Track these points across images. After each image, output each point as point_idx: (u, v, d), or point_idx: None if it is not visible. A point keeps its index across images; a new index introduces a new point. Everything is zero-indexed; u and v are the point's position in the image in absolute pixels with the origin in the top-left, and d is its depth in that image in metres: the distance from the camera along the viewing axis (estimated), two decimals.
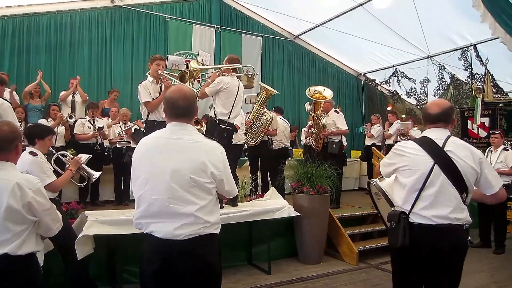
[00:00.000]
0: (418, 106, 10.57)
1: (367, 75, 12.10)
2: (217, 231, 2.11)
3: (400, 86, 10.90)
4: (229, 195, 2.26)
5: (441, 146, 2.34)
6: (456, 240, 2.30)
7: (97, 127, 6.04)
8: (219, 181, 2.08)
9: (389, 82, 11.22)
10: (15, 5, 7.83)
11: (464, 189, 2.30)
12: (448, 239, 2.27)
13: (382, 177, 2.65)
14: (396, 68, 10.88)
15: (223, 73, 4.82)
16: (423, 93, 10.34)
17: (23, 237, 2.08)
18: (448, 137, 2.39)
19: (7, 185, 2.04)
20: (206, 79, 5.35)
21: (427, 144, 2.38)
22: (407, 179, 2.36)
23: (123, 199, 6.19)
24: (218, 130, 4.66)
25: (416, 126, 8.32)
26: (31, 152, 3.27)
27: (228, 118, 4.78)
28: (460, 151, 2.33)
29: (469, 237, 2.32)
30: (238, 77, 5.03)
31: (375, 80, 11.96)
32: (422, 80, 10.29)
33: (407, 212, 2.34)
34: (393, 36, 9.33)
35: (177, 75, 4.70)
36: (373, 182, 2.69)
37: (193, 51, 9.62)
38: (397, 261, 2.51)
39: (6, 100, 4.01)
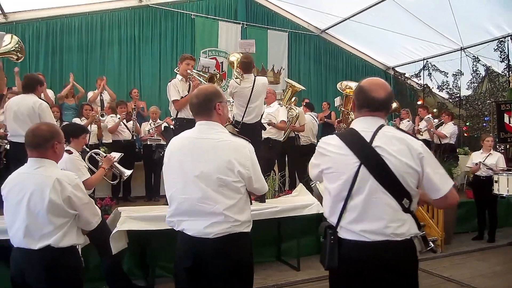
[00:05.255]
0: (451, 100, 10.23)
1: (396, 68, 11.81)
2: (248, 229, 2.11)
3: (431, 79, 10.59)
4: (259, 192, 2.26)
5: (368, 140, 1.81)
6: (397, 260, 1.76)
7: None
8: (247, 179, 2.08)
9: (420, 76, 10.90)
10: (48, 7, 8.11)
11: (402, 194, 1.78)
12: (386, 259, 1.75)
13: None
14: (427, 61, 10.56)
15: (235, 77, 4.87)
16: (456, 86, 10.01)
17: (64, 230, 2.18)
18: (379, 128, 1.85)
19: (48, 180, 2.14)
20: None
21: (352, 139, 1.85)
22: (332, 185, 1.86)
23: (153, 195, 6.36)
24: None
25: (452, 121, 7.98)
26: (66, 150, 3.37)
27: (242, 119, 4.86)
28: (392, 145, 1.79)
29: (431, 244, 1.88)
30: (263, 74, 5.05)
31: (404, 73, 11.66)
32: (454, 73, 9.95)
33: (334, 226, 1.85)
34: (423, 28, 9.05)
35: (206, 76, 4.76)
36: (312, 184, 2.32)
37: (220, 48, 9.69)
38: (333, 286, 1.98)
39: (43, 100, 4.17)
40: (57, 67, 8.28)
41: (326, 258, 1.84)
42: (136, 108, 7.17)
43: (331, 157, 1.87)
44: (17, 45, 4.07)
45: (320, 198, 2.11)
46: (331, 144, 1.90)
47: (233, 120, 4.94)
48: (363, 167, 1.78)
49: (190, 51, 9.13)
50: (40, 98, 4.18)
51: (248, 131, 4.75)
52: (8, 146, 4.51)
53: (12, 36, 4.12)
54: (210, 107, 2.10)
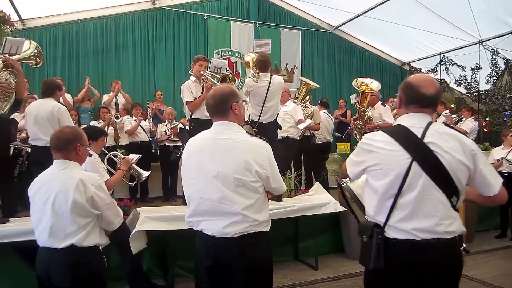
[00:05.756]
0: (469, 95, 10.01)
1: (412, 64, 11.62)
2: (267, 229, 2.11)
3: (448, 74, 10.38)
4: (277, 192, 2.26)
5: (420, 136, 1.80)
6: (446, 259, 1.75)
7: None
8: (265, 179, 2.07)
9: (436, 71, 10.69)
10: (64, 13, 8.25)
11: (453, 191, 1.77)
12: (436, 258, 1.73)
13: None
14: (443, 56, 10.36)
15: (252, 76, 4.87)
16: (474, 80, 9.79)
17: (87, 229, 2.23)
18: (429, 124, 1.84)
19: (72, 181, 2.21)
20: None
21: (402, 135, 1.83)
22: (379, 182, 1.82)
23: (170, 195, 6.44)
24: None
25: (472, 117, 7.80)
26: None
27: (258, 119, 4.83)
28: (445, 142, 1.78)
29: (464, 245, 1.85)
30: (277, 73, 5.03)
31: (420, 69, 11.44)
32: (473, 67, 9.73)
33: (382, 225, 1.81)
34: (439, 22, 8.88)
35: (219, 77, 4.77)
36: (343, 184, 2.21)
37: (233, 48, 9.71)
38: (372, 286, 1.95)
39: (62, 104, 4.25)
40: (74, 71, 8.43)
41: (371, 258, 1.79)
42: (154, 109, 7.25)
43: (379, 153, 1.83)
44: (36, 51, 4.13)
45: (354, 197, 2.09)
46: (378, 140, 1.86)
47: (249, 120, 4.91)
48: (415, 163, 1.75)
49: (203, 51, 9.18)
50: (59, 102, 4.25)
51: (265, 130, 4.74)
52: (29, 150, 4.61)
53: (30, 42, 4.19)
54: (226, 107, 2.11)
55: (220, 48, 9.61)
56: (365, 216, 1.97)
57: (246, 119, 5.04)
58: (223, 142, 2.07)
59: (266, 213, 2.12)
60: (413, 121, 1.86)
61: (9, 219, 3.64)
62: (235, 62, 9.64)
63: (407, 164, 1.76)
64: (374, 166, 1.85)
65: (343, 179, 2.26)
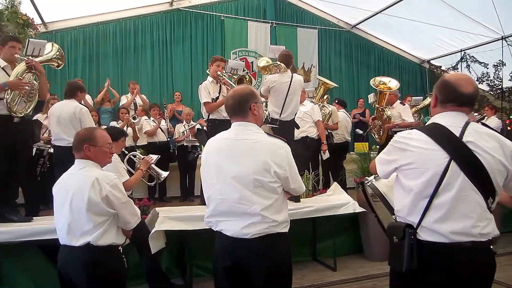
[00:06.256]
0: (492, 92, 9.75)
1: (432, 61, 11.41)
2: (286, 230, 2.11)
3: (469, 71, 10.12)
4: (296, 193, 2.25)
5: (458, 136, 1.76)
6: (480, 262, 1.72)
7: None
8: (284, 179, 2.07)
9: (457, 68, 10.46)
10: (84, 15, 8.44)
11: (490, 192, 1.73)
12: (471, 262, 1.70)
13: (379, 175, 2.08)
14: (464, 53, 10.13)
15: (274, 71, 4.83)
16: (498, 77, 9.53)
17: (103, 228, 2.26)
18: (467, 124, 1.80)
19: (88, 180, 2.25)
20: None
21: (440, 134, 1.78)
22: (414, 182, 1.78)
23: (188, 195, 6.49)
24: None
25: (496, 115, 7.58)
26: None
27: (280, 116, 4.78)
28: (484, 141, 1.74)
29: (491, 246, 1.79)
30: (294, 71, 4.98)
31: (440, 66, 11.24)
32: (495, 64, 9.50)
33: (415, 226, 1.77)
34: (460, 18, 8.67)
35: (235, 78, 4.78)
36: (368, 182, 2.16)
37: (249, 48, 9.72)
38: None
39: (84, 105, 4.34)
40: (94, 73, 8.61)
41: (404, 260, 1.75)
42: (171, 109, 7.33)
43: (415, 152, 1.79)
44: (57, 53, 4.21)
45: (380, 196, 2.06)
46: (414, 139, 1.81)
47: (269, 117, 4.82)
48: (453, 163, 1.71)
49: (220, 52, 9.23)
50: (81, 103, 4.34)
51: (284, 129, 4.72)
52: (51, 150, 4.72)
53: (53, 44, 4.27)
54: (245, 108, 2.11)
55: (237, 48, 9.64)
56: (393, 216, 1.93)
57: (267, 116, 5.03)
58: (242, 142, 2.07)
59: (285, 214, 2.11)
60: (451, 120, 1.82)
61: (33, 217, 3.73)
62: (252, 62, 9.65)
63: (444, 164, 1.72)
64: (408, 165, 1.81)
65: (367, 178, 2.24)
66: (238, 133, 2.12)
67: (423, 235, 1.76)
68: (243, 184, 2.01)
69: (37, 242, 3.41)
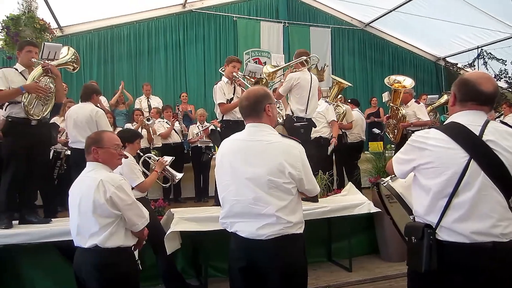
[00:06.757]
0: (510, 89, 9.54)
1: (448, 59, 11.23)
2: (301, 231, 2.10)
3: (486, 68, 9.93)
4: (310, 194, 2.23)
5: (478, 134, 1.73)
6: (503, 263, 1.66)
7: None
8: (298, 180, 2.06)
9: (474, 65, 10.28)
10: (99, 19, 8.57)
11: (511, 191, 1.71)
12: (492, 263, 1.65)
13: (395, 175, 2.04)
14: (481, 49, 9.94)
15: (294, 69, 4.79)
16: None
17: (110, 230, 2.26)
18: (487, 122, 1.77)
19: (94, 182, 2.27)
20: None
21: (459, 133, 1.75)
22: (432, 181, 1.75)
23: (202, 195, 6.53)
24: (294, 128, 4.65)
25: None
26: None
27: (306, 114, 4.75)
28: (505, 140, 1.71)
29: None
30: (309, 70, 4.95)
31: (456, 64, 11.04)
32: None
33: (434, 226, 1.74)
34: (476, 14, 8.52)
35: (252, 81, 4.78)
36: (384, 183, 2.12)
37: (262, 49, 9.72)
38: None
39: (100, 108, 4.40)
40: (109, 75, 8.74)
41: (423, 260, 1.71)
42: (182, 110, 7.39)
43: (433, 151, 1.76)
44: (73, 56, 4.28)
45: (397, 196, 2.03)
46: (432, 138, 1.78)
47: (293, 116, 4.78)
48: (473, 162, 1.69)
49: (233, 52, 9.26)
50: (97, 106, 4.40)
51: (307, 127, 4.71)
52: (68, 152, 4.80)
53: (68, 48, 4.34)
54: (260, 109, 2.11)
55: (249, 48, 9.65)
56: (410, 216, 1.91)
57: (286, 115, 5.00)
58: (256, 143, 2.07)
59: (300, 215, 2.11)
60: (470, 119, 1.79)
61: (52, 219, 3.80)
62: (265, 62, 9.61)
63: (464, 163, 1.69)
64: (426, 165, 1.78)
65: (382, 178, 2.20)
66: (253, 134, 2.11)
67: (443, 235, 1.73)
68: (258, 185, 2.00)
69: (55, 243, 3.48)
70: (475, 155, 1.69)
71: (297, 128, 4.67)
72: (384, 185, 2.12)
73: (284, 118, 5.06)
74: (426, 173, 1.79)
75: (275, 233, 1.99)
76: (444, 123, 1.93)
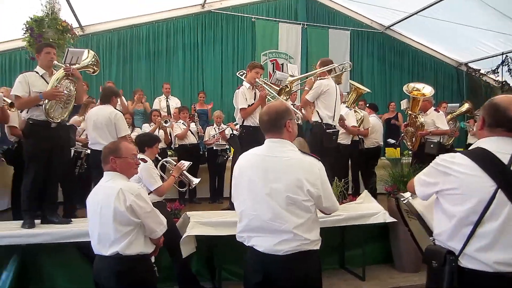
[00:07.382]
0: None
1: (470, 64, 10.99)
2: (317, 247, 2.10)
3: (511, 75, 9.69)
4: (328, 211, 2.22)
5: (506, 163, 1.69)
6: None
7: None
8: (317, 198, 2.06)
9: (497, 72, 10.02)
10: (118, 19, 8.70)
11: None
12: None
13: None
14: (506, 56, 9.68)
15: (319, 77, 4.79)
16: None
17: (130, 238, 2.32)
18: None
19: (113, 191, 2.33)
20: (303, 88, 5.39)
21: (487, 161, 1.72)
22: (456, 208, 1.73)
23: (217, 197, 6.61)
24: (327, 135, 4.66)
25: None
26: (141, 159, 3.58)
27: (333, 121, 4.77)
28: None
29: None
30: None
31: (479, 70, 10.79)
32: None
33: (456, 253, 1.72)
34: (502, 19, 8.29)
35: (277, 88, 4.79)
36: (404, 200, 2.10)
37: (280, 50, 9.69)
38: None
39: (119, 110, 4.47)
40: (128, 74, 8.87)
41: (444, 286, 1.72)
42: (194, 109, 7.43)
43: (459, 178, 1.74)
44: (93, 59, 4.36)
45: (417, 216, 2.02)
46: (458, 163, 1.76)
47: (322, 123, 4.79)
48: (501, 192, 1.66)
49: (250, 53, 9.29)
50: (116, 108, 4.48)
51: (337, 134, 4.76)
52: (88, 151, 4.91)
53: (89, 51, 4.43)
54: (280, 125, 2.11)
55: (267, 50, 9.63)
56: (430, 238, 1.90)
57: (314, 122, 4.97)
58: (275, 160, 2.08)
59: (317, 232, 2.11)
60: (499, 146, 1.75)
61: (72, 219, 3.89)
62: (282, 64, 9.60)
63: (491, 192, 1.66)
64: (450, 190, 1.76)
65: (401, 194, 2.18)
66: (272, 149, 2.12)
67: (465, 262, 1.71)
68: (276, 202, 2.01)
69: (75, 243, 3.57)
70: (503, 185, 1.66)
71: (329, 136, 4.68)
72: (404, 202, 2.10)
73: (312, 123, 5.03)
74: (450, 199, 1.77)
75: (292, 249, 2.00)
76: (471, 148, 1.89)
